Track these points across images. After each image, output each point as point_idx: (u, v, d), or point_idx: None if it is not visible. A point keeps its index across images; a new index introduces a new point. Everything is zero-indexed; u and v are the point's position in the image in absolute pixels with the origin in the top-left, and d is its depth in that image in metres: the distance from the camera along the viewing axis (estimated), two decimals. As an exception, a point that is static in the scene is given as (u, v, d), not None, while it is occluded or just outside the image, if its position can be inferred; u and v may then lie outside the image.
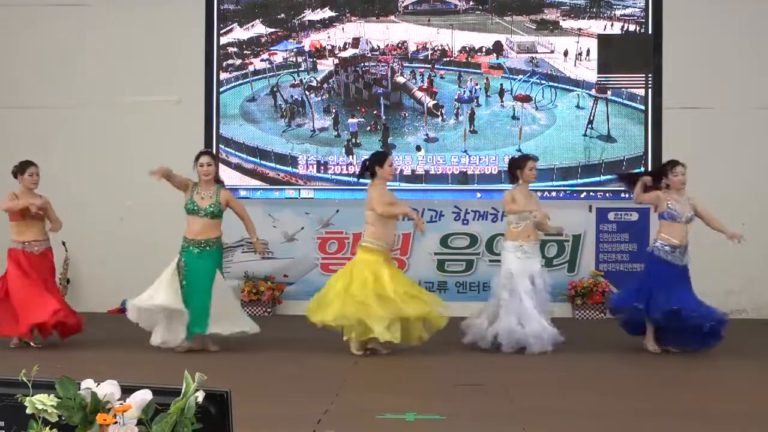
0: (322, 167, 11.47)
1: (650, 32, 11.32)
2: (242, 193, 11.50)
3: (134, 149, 11.31)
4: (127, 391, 1.84)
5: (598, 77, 11.38)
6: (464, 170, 11.40)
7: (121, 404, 1.80)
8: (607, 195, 11.33)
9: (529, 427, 5.34)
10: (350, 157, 11.29)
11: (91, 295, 11.25)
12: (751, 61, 11.18)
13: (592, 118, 11.36)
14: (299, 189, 11.49)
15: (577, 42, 11.44)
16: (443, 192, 11.37)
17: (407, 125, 11.52)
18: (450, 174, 11.42)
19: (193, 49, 11.38)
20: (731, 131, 11.15)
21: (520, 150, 11.08)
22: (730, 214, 10.81)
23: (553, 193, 11.13)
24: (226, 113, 11.56)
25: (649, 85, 11.28)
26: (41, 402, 1.79)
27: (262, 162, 11.53)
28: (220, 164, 11.35)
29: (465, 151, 11.37)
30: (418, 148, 11.44)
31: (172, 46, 11.28)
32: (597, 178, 11.33)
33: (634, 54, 11.34)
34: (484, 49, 11.51)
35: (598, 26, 11.43)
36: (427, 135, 11.48)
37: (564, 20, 11.47)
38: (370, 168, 8.49)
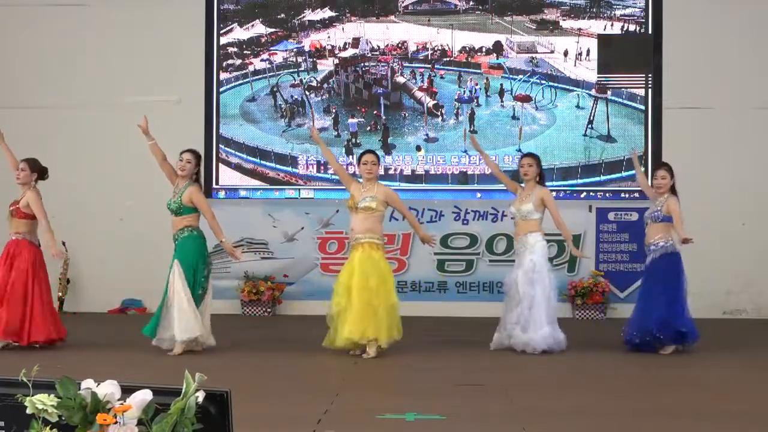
0: (322, 167, 11.48)
1: (650, 32, 11.32)
2: (242, 193, 11.52)
3: (134, 149, 11.29)
4: (127, 391, 1.84)
5: (598, 77, 11.38)
6: (464, 170, 11.41)
7: (121, 404, 1.81)
8: (607, 195, 11.34)
9: (529, 427, 5.34)
10: (350, 157, 11.29)
11: (91, 295, 11.26)
12: (751, 61, 11.18)
13: (592, 118, 11.36)
14: (299, 189, 11.49)
15: (577, 42, 11.44)
16: (443, 192, 11.37)
17: (407, 125, 11.53)
18: (450, 174, 11.43)
19: (193, 49, 11.39)
20: (731, 131, 11.15)
21: (519, 150, 11.08)
22: (729, 214, 10.86)
23: (554, 193, 11.10)
24: (226, 113, 11.57)
25: (649, 85, 11.28)
26: (41, 402, 1.79)
27: (262, 162, 11.53)
28: (220, 165, 11.38)
29: (465, 151, 11.37)
30: (418, 148, 11.45)
31: (172, 46, 11.29)
32: (597, 178, 11.34)
33: (634, 54, 11.35)
34: (484, 49, 11.52)
35: (598, 26, 11.44)
36: (427, 135, 11.48)
37: (564, 20, 11.48)
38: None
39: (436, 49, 11.55)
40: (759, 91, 11.14)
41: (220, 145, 11.52)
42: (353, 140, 11.47)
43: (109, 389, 1.84)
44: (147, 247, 10.92)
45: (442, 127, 11.50)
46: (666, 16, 11.24)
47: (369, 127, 11.53)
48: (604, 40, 11.42)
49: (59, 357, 7.84)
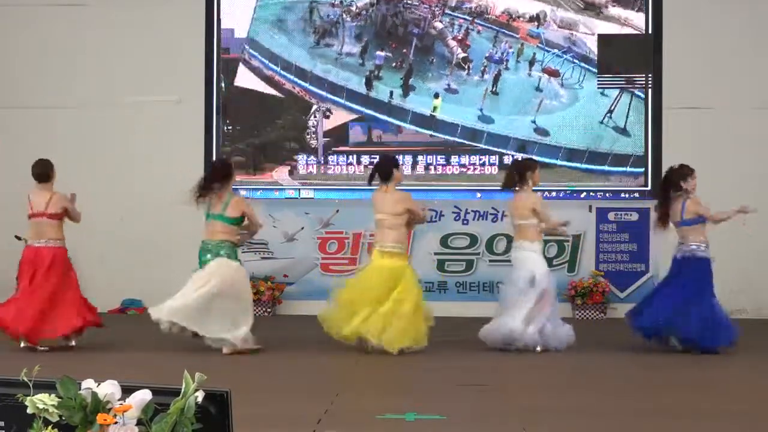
0: (322, 167, 11.48)
1: (650, 32, 11.31)
2: (242, 193, 11.48)
3: (134, 149, 11.32)
4: (127, 391, 1.84)
5: (598, 77, 11.37)
6: (464, 170, 11.40)
7: (121, 404, 1.81)
8: (607, 195, 11.34)
9: (529, 427, 5.34)
10: (369, 89, 11.30)
11: (91, 295, 11.21)
12: (751, 61, 11.18)
13: (613, 108, 11.32)
14: (299, 189, 11.49)
15: (620, 31, 11.37)
16: (443, 192, 11.37)
17: (432, 71, 11.50)
18: (450, 174, 11.42)
19: (193, 49, 11.38)
20: (731, 131, 11.14)
21: (534, 122, 11.09)
22: (730, 214, 10.83)
23: (554, 193, 11.12)
24: (260, 16, 11.49)
25: (649, 85, 11.27)
26: (42, 401, 1.79)
27: (282, 72, 11.51)
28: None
29: (480, 110, 11.34)
30: (436, 96, 11.43)
31: (172, 46, 11.29)
32: (602, 167, 11.29)
33: (634, 54, 11.33)
34: (527, 16, 11.46)
35: (640, 19, 11.33)
36: (448, 85, 11.46)
37: (613, 6, 11.39)
38: (387, 171, 8.47)
39: (479, 4, 11.46)
40: (759, 91, 11.14)
41: (245, 46, 11.47)
42: (375, 72, 11.45)
43: (109, 389, 1.84)
44: (147, 247, 10.92)
45: (465, 81, 11.47)
46: (666, 16, 11.23)
47: (395, 64, 11.50)
48: (604, 40, 11.41)
49: (59, 357, 7.85)
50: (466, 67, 11.46)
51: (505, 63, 11.46)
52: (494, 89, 11.41)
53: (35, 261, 8.35)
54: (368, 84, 11.43)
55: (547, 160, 11.01)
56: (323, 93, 11.49)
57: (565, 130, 11.30)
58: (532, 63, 11.42)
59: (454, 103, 11.41)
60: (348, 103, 11.44)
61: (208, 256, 8.29)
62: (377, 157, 11.23)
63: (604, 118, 11.35)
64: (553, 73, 11.42)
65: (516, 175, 8.59)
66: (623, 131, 11.32)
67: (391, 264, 8.32)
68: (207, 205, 8.40)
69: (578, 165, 11.31)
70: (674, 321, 8.29)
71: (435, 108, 11.41)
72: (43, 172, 8.47)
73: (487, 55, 11.47)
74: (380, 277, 8.29)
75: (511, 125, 11.29)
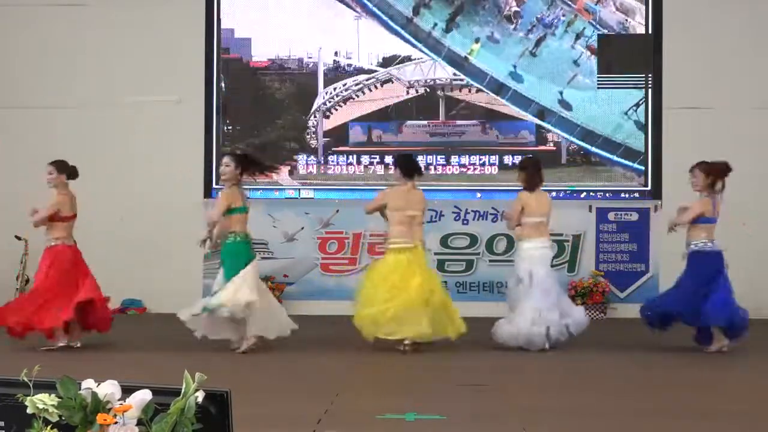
0: (322, 167, 11.48)
1: (650, 32, 11.31)
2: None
3: (134, 149, 11.32)
4: (127, 391, 1.84)
5: (598, 77, 11.37)
6: (464, 170, 11.40)
7: (121, 404, 1.81)
8: (607, 195, 11.34)
9: (529, 427, 5.35)
10: (416, 17, 11.37)
11: (91, 295, 11.23)
12: (751, 61, 11.18)
13: (641, 102, 11.32)
14: (299, 189, 11.49)
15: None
16: (443, 192, 11.36)
17: (480, 15, 11.49)
18: (450, 174, 11.42)
19: (193, 49, 11.39)
20: (731, 131, 11.14)
21: (561, 93, 11.13)
22: (730, 214, 10.81)
23: (554, 193, 11.10)
24: None
25: (649, 85, 11.28)
26: (42, 401, 1.79)
27: None
28: None
29: (514, 66, 11.36)
30: (477, 40, 11.45)
31: (172, 46, 11.29)
32: (611, 156, 11.28)
33: (635, 54, 11.34)
34: None
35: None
36: (491, 33, 11.47)
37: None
38: (416, 168, 8.64)
39: None
40: (759, 91, 11.14)
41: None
42: (425, 1, 11.47)
43: (109, 389, 1.84)
44: (147, 247, 10.92)
45: (510, 34, 11.47)
46: (666, 16, 11.23)
47: None
48: (604, 40, 11.41)
49: (59, 357, 7.85)
50: (515, 21, 11.49)
51: (553, 29, 11.47)
52: (534, 50, 11.44)
53: (75, 260, 8.62)
54: (416, 9, 11.48)
55: (561, 133, 11.15)
56: (369, 4, 11.49)
57: (588, 109, 11.32)
58: (578, 36, 11.43)
59: (491, 52, 11.45)
60: (389, 21, 11.44)
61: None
62: (377, 156, 11.33)
63: (629, 110, 11.35)
64: (596, 52, 11.43)
65: (535, 175, 8.74)
66: (643, 127, 11.31)
67: (425, 259, 8.61)
68: (241, 198, 8.38)
69: (589, 147, 11.31)
70: (736, 313, 8.53)
71: (471, 51, 11.48)
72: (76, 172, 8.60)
73: (538, 16, 11.48)
74: (427, 273, 8.49)
75: (537, 90, 11.32)
